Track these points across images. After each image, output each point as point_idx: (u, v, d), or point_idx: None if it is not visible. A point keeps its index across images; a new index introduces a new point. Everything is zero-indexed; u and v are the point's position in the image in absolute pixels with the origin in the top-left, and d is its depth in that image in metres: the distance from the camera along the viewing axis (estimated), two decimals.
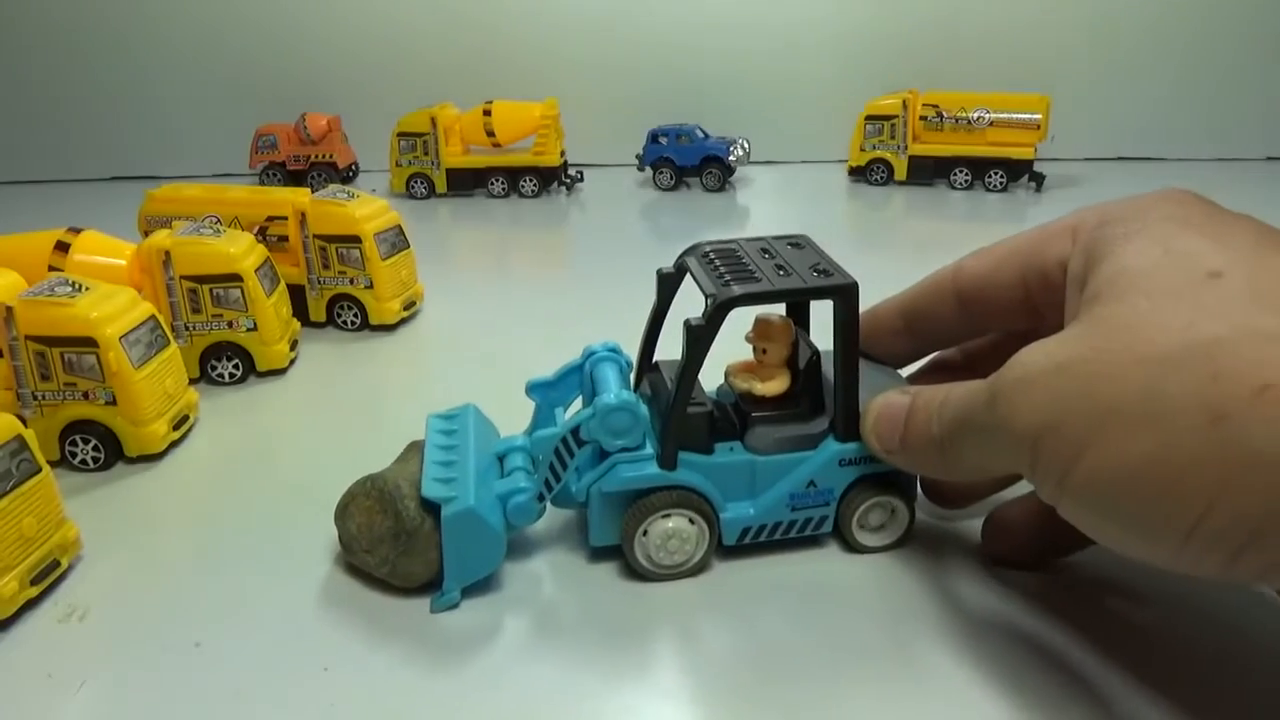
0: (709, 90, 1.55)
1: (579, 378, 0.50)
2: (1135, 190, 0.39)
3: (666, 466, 0.44)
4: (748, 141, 1.39)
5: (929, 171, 1.37)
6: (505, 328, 0.83)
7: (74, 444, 0.58)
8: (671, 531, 0.44)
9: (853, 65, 1.54)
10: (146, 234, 0.79)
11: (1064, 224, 0.39)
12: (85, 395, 0.57)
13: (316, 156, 1.41)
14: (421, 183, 1.36)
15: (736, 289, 0.42)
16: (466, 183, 1.37)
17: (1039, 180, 1.33)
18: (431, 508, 0.43)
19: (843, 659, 0.41)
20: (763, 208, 1.32)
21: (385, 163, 1.37)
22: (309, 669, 0.41)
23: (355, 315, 0.81)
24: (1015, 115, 1.33)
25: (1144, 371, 0.30)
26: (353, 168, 1.46)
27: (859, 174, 1.41)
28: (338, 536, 0.46)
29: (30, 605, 0.45)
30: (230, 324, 0.70)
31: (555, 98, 1.37)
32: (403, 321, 0.83)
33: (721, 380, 0.49)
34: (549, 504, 0.45)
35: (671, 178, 1.39)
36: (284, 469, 0.59)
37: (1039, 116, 1.32)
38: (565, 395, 0.51)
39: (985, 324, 0.46)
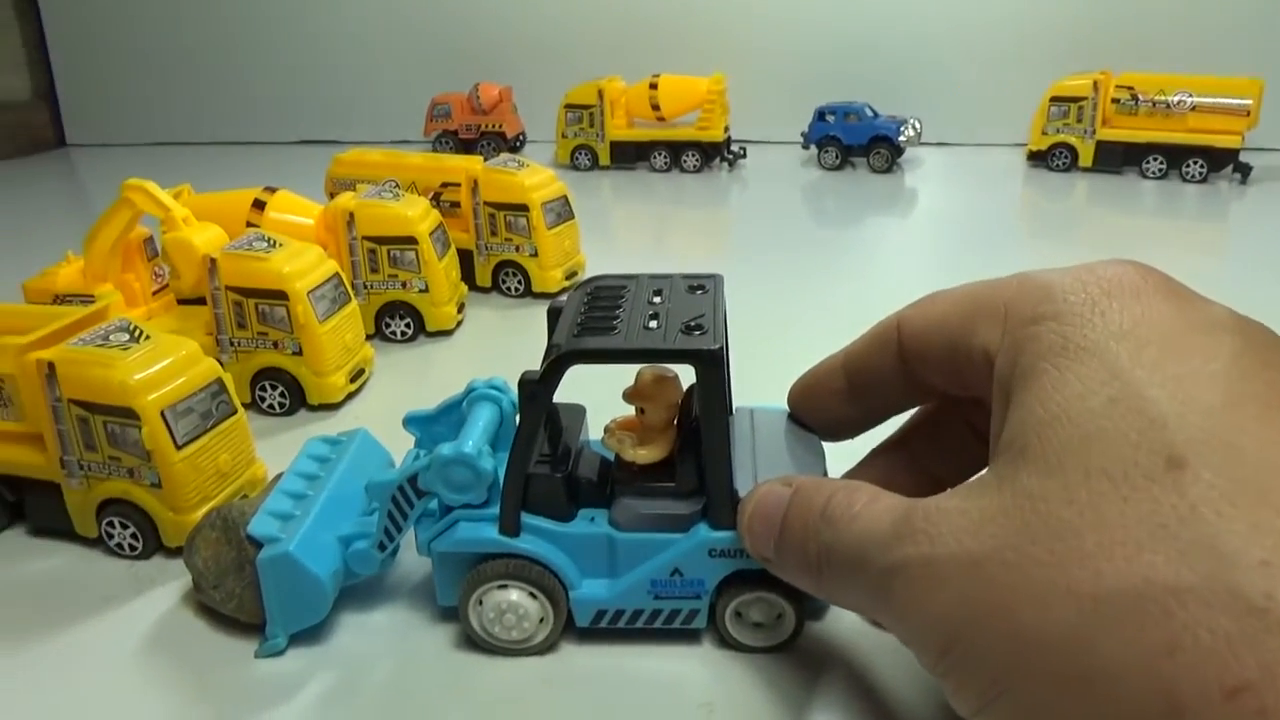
0: (879, 67, 1.50)
1: (459, 415, 0.44)
2: None
3: (506, 532, 0.38)
4: (919, 122, 1.34)
5: (1118, 158, 1.29)
6: None
7: (263, 389, 0.62)
8: (508, 605, 0.39)
9: (1034, 42, 1.46)
10: (332, 195, 0.83)
11: (996, 297, 0.31)
12: (275, 345, 0.61)
13: (487, 126, 1.45)
14: (585, 154, 1.38)
15: (579, 343, 0.36)
16: (629, 156, 1.38)
17: (1245, 171, 1.22)
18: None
19: None
20: (931, 191, 1.27)
21: (551, 133, 1.40)
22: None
23: (519, 282, 0.84)
24: (1221, 100, 1.23)
25: (1076, 608, 0.23)
26: (520, 137, 1.50)
27: (1039, 159, 1.34)
28: (191, 577, 0.42)
29: None
30: (404, 284, 0.73)
31: (722, 73, 1.36)
32: (564, 290, 0.85)
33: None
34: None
35: (837, 157, 1.35)
36: None
37: (1249, 101, 1.21)
38: (446, 432, 0.44)
39: (930, 387, 0.37)
